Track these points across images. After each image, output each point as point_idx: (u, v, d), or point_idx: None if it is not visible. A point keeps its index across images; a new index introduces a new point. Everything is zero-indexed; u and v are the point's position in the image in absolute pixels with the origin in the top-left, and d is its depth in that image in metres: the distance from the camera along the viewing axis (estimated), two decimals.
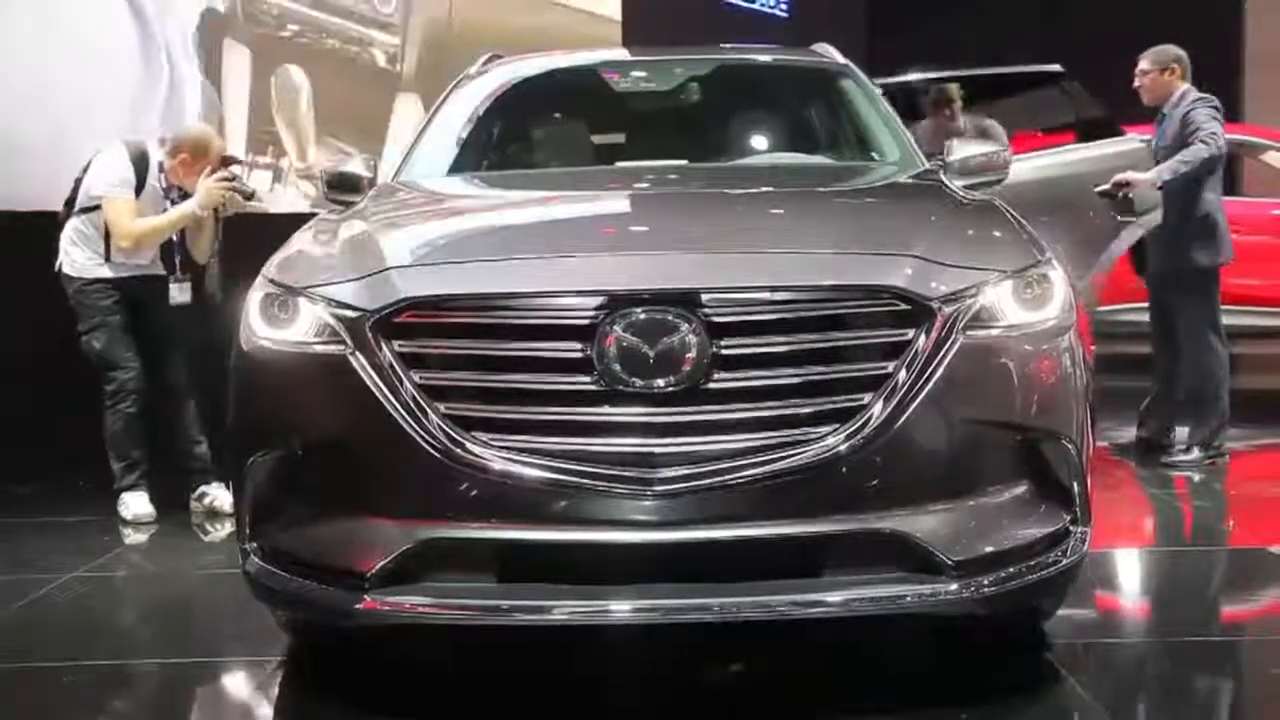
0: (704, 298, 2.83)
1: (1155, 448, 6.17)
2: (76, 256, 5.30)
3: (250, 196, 5.40)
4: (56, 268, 5.36)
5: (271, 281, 3.16)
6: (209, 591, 4.48)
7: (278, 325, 3.07)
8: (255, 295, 3.17)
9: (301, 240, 3.42)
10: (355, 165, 4.11)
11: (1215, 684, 3.34)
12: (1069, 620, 3.63)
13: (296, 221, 3.65)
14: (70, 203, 5.34)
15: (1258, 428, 6.81)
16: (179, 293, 5.40)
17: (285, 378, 3.03)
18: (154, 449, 5.45)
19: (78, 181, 5.33)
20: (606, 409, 2.83)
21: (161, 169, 5.31)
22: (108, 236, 5.25)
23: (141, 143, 5.34)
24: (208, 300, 5.50)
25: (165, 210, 5.31)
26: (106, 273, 5.29)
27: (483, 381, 2.87)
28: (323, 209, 4.10)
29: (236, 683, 3.51)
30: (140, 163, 5.26)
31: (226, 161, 5.38)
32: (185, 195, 5.35)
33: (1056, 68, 6.98)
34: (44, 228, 5.47)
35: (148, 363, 5.39)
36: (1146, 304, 6.34)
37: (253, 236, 5.12)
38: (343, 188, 4.07)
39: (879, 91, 4.79)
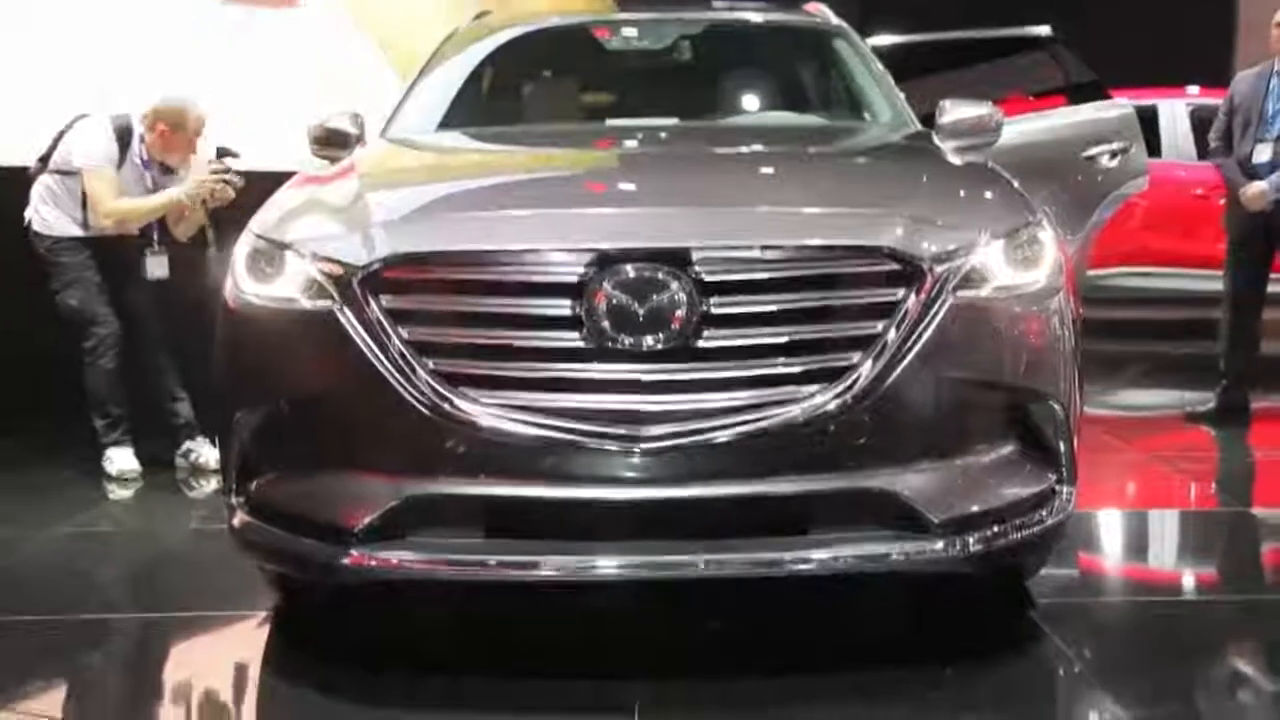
0: (694, 255, 2.82)
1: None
2: (47, 215, 5.25)
3: (240, 190, 5.22)
4: (26, 223, 5.30)
5: (258, 236, 3.14)
6: (195, 547, 4.48)
7: (264, 280, 3.05)
8: (241, 250, 3.15)
9: (289, 195, 3.40)
10: (342, 121, 4.08)
11: (1197, 644, 3.35)
12: (1053, 579, 3.65)
13: (284, 178, 3.61)
14: (45, 158, 5.28)
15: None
16: (156, 266, 5.33)
17: (272, 333, 3.02)
18: (137, 406, 5.43)
19: (56, 139, 5.27)
20: (594, 366, 2.82)
21: (142, 140, 5.25)
22: (84, 202, 5.19)
23: (126, 117, 5.25)
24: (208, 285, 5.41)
25: (145, 183, 5.26)
26: (78, 232, 5.24)
27: (471, 338, 2.85)
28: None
29: (222, 638, 3.51)
30: (124, 135, 5.19)
31: (222, 154, 5.29)
32: (166, 169, 5.30)
33: (1045, 30, 6.95)
34: (18, 183, 5.40)
35: (125, 318, 5.35)
36: (1136, 268, 6.32)
37: (242, 193, 5.12)
38: (330, 144, 4.05)
39: (872, 52, 4.77)
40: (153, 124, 5.22)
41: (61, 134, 5.26)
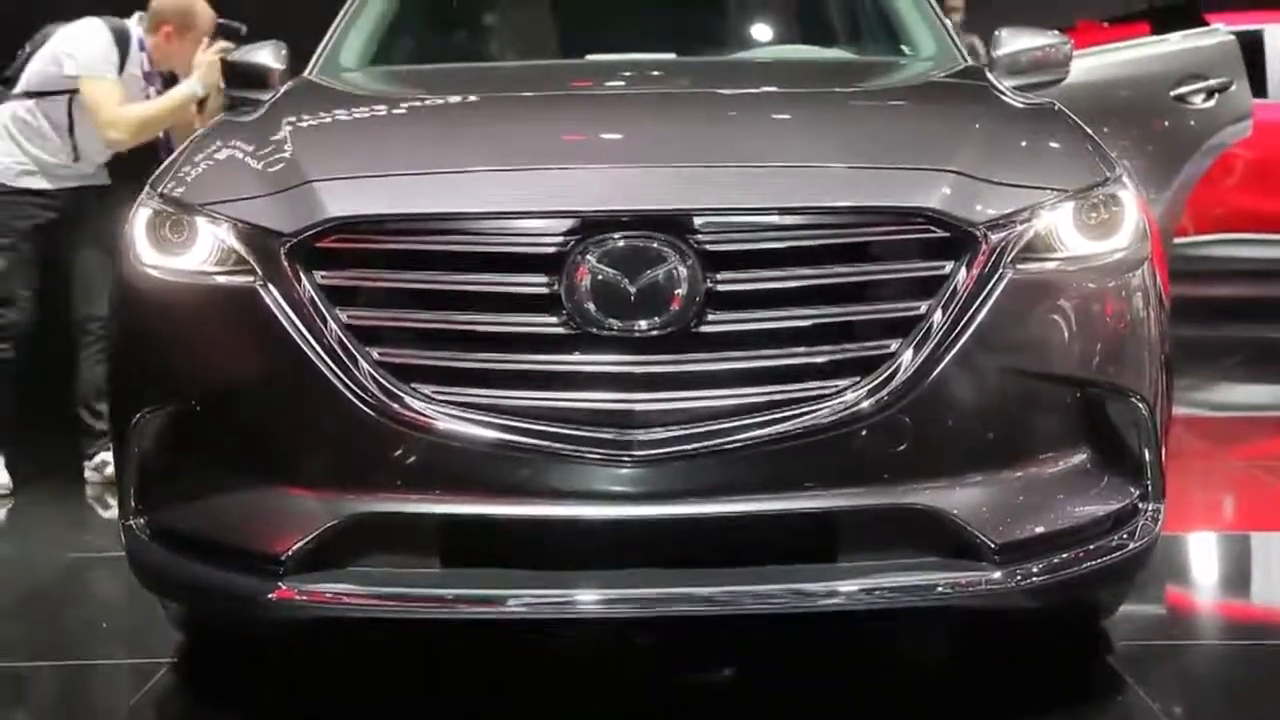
0: (697, 221, 2.85)
1: None
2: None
3: None
4: None
5: (161, 196, 3.16)
6: (90, 579, 4.48)
7: (169, 251, 3.07)
8: (141, 214, 3.16)
9: (198, 147, 3.41)
10: (263, 54, 4.09)
11: None
12: (1135, 617, 3.69)
13: None
14: (8, 81, 5.30)
15: None
16: None
17: (179, 315, 3.04)
18: (42, 397, 5.43)
19: (26, 56, 5.29)
20: (577, 356, 2.85)
21: (143, 48, 5.30)
22: (71, 129, 5.21)
23: (122, 22, 5.31)
24: None
25: (146, 99, 5.30)
26: (39, 183, 5.25)
27: (425, 322, 2.89)
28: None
29: (113, 691, 3.52)
30: (122, 43, 5.24)
31: (226, 32, 5.34)
32: (170, 83, 5.36)
33: None
34: None
35: (60, 296, 5.35)
36: (1235, 235, 6.35)
37: None
38: (247, 82, 4.06)
39: None
40: (156, 25, 5.29)
41: (31, 50, 5.28)
